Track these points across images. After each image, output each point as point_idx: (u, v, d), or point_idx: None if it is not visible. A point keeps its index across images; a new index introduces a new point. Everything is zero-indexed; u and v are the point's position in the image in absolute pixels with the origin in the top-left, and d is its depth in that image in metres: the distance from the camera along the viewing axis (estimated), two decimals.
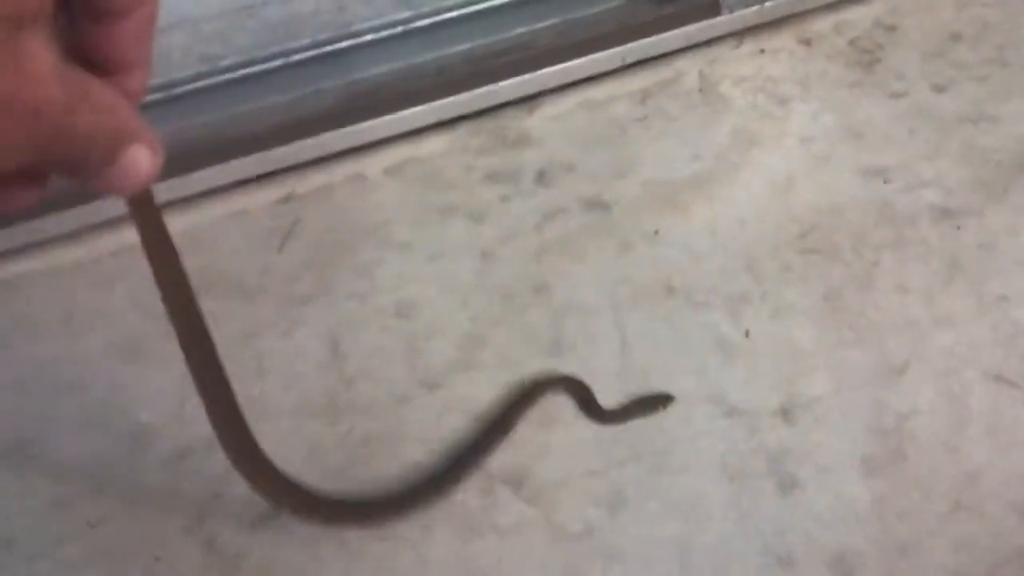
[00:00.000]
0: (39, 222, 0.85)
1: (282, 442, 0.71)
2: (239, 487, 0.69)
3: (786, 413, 0.72)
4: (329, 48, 0.84)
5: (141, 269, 0.86)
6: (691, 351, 0.76)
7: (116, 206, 0.87)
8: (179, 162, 0.87)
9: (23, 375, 0.78)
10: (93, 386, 0.77)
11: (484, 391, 0.75)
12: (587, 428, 0.72)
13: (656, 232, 0.84)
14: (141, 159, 0.34)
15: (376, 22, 0.85)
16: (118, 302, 0.83)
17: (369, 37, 0.86)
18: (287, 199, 0.90)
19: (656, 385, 0.74)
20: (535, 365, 0.76)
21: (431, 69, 0.92)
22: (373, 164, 0.92)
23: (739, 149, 0.91)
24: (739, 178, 0.88)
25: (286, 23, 0.85)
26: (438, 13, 0.87)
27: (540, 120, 0.95)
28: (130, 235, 0.88)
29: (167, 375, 0.77)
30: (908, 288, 0.79)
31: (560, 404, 0.73)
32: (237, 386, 0.76)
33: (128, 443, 0.73)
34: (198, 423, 0.73)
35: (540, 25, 0.97)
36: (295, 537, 0.68)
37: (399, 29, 0.86)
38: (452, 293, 0.81)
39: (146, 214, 0.52)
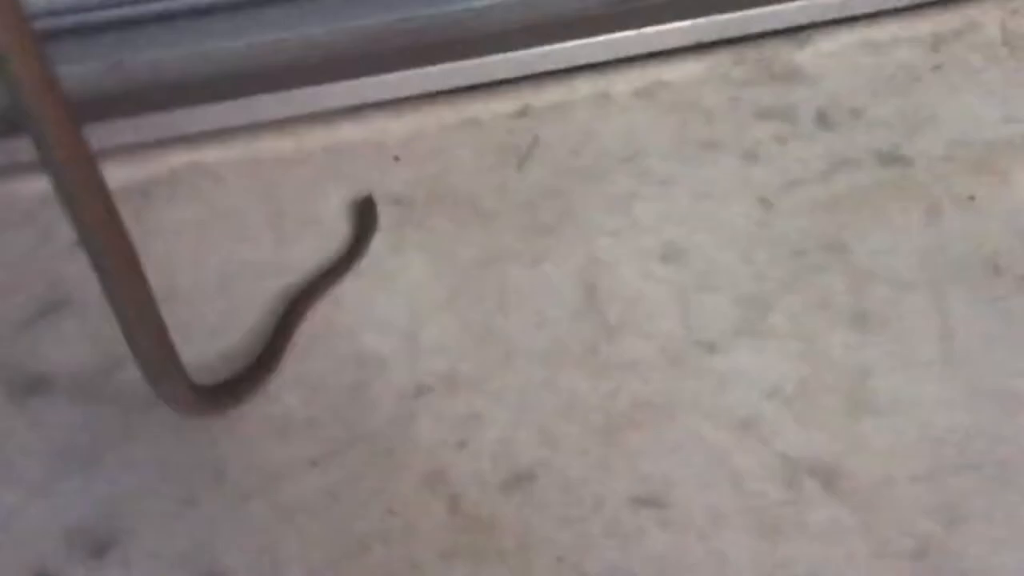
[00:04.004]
0: (234, 105, 0.74)
1: (530, 390, 0.60)
2: (488, 436, 0.58)
3: None
4: None
5: (360, 171, 0.75)
6: None
7: (330, 97, 0.77)
8: (406, 56, 0.75)
9: (228, 274, 0.67)
10: None
11: (775, 363, 0.62)
12: (909, 420, 0.59)
13: (972, 198, 0.70)
14: None
15: None
16: (334, 206, 0.71)
17: None
18: (523, 112, 0.78)
19: (987, 381, 0.61)
20: (836, 338, 0.63)
21: None
22: (619, 83, 0.80)
23: None
24: None
25: None
26: None
27: (813, 56, 0.82)
28: (347, 130, 0.78)
29: (396, 297, 0.66)
30: None
31: (873, 386, 0.61)
32: (476, 315, 0.65)
33: (352, 371, 0.62)
34: (436, 356, 0.63)
35: None
36: (551, 504, 0.56)
37: None
38: (728, 242, 0.69)
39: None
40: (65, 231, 0.69)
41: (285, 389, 0.61)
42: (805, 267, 0.67)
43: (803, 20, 0.83)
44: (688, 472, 0.57)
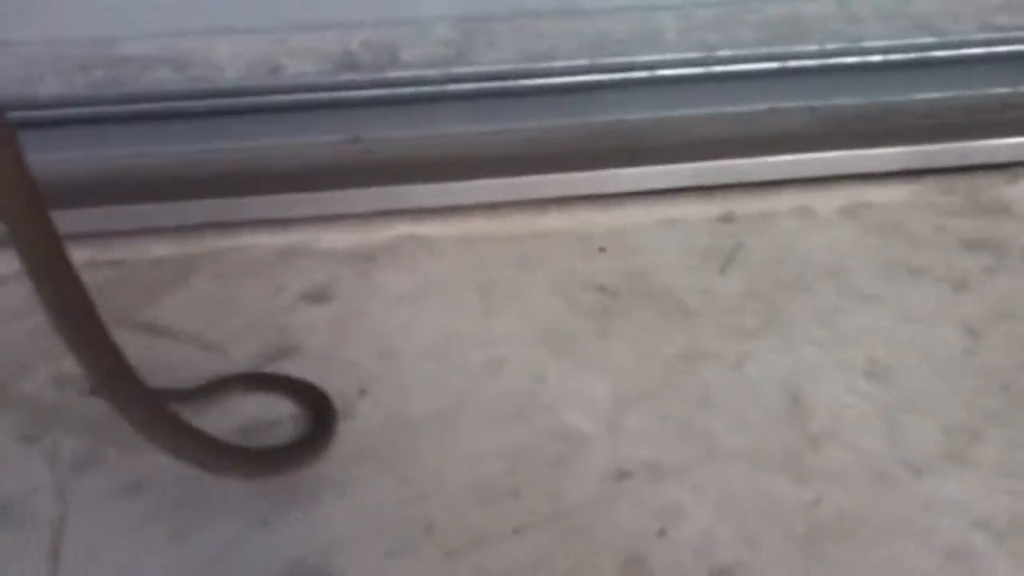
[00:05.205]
0: (454, 186, 0.79)
1: (732, 488, 0.60)
2: (688, 529, 0.59)
3: None
4: (834, 60, 0.74)
5: (566, 257, 0.79)
6: None
7: (542, 187, 0.81)
8: (617, 155, 0.79)
9: (436, 342, 0.70)
10: (511, 372, 0.69)
11: (984, 495, 0.61)
12: None
13: None
14: None
15: (891, 42, 0.74)
16: (541, 287, 0.74)
17: (877, 58, 0.74)
18: (727, 218, 0.80)
19: None
20: None
21: (919, 109, 0.81)
22: (823, 200, 0.81)
23: None
24: None
25: (789, 23, 0.75)
26: (959, 46, 0.75)
27: (1022, 192, 0.82)
28: (555, 218, 0.82)
29: (599, 379, 0.68)
30: None
31: None
32: (679, 408, 0.66)
33: (555, 446, 0.64)
34: (638, 443, 0.64)
35: None
36: None
37: (914, 55, 0.75)
38: (934, 367, 0.68)
39: None
40: (295, 284, 0.74)
41: (491, 455, 0.63)
42: (1015, 401, 0.66)
43: (1015, 157, 0.83)
44: None
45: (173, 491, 0.61)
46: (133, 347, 0.69)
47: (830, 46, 0.74)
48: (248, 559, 0.57)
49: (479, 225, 0.79)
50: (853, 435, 0.64)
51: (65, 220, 0.75)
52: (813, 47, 0.74)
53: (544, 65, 0.74)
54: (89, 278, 0.72)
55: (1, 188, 0.46)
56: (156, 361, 0.67)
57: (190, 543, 0.58)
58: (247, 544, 0.58)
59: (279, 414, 0.65)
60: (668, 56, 0.73)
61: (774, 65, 0.74)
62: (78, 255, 0.72)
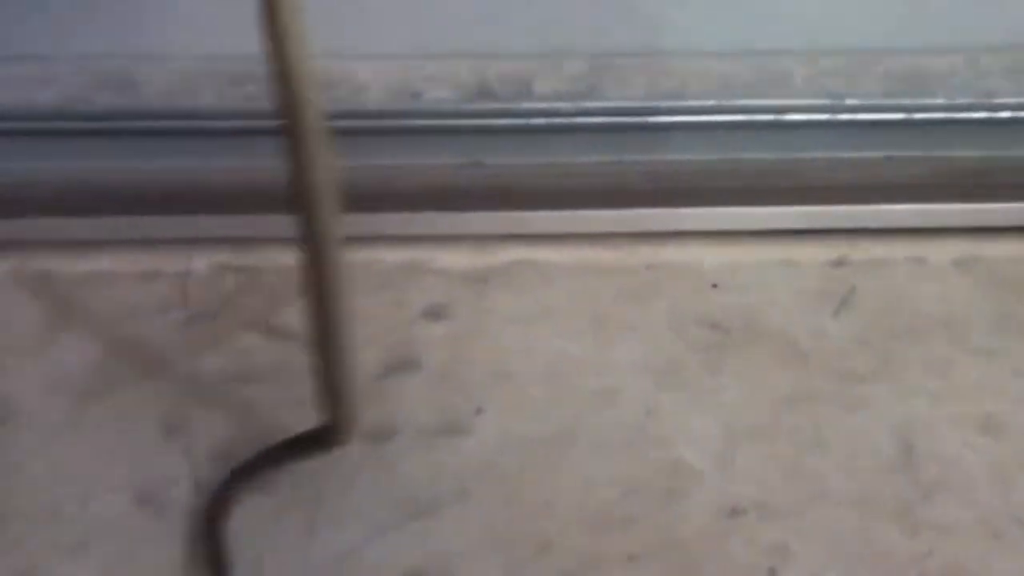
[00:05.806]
0: (570, 214, 0.81)
1: (841, 533, 0.61)
2: (798, 569, 0.59)
3: None
4: (960, 115, 0.74)
5: (679, 291, 0.80)
6: None
7: (657, 220, 0.82)
8: (733, 193, 0.80)
9: (549, 367, 0.72)
10: (623, 402, 0.70)
11: None
12: None
13: None
14: None
15: (1020, 99, 0.74)
16: (653, 319, 0.76)
17: (1006, 114, 0.75)
18: (840, 262, 0.81)
19: None
20: None
21: None
22: (937, 251, 0.81)
23: None
24: None
25: (917, 75, 0.76)
26: None
27: None
28: (669, 252, 0.83)
29: (711, 415, 0.69)
30: None
31: None
32: (790, 449, 0.67)
33: (666, 478, 0.65)
34: (749, 481, 0.65)
35: None
36: None
37: None
38: None
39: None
40: (417, 299, 0.77)
41: (603, 483, 0.64)
42: None
43: None
44: None
45: (300, 493, 0.63)
46: (261, 350, 0.73)
47: (958, 100, 0.74)
48: (372, 560, 0.60)
49: (593, 254, 0.81)
50: (966, 489, 0.64)
51: (204, 225, 0.80)
52: (940, 100, 0.74)
53: (671, 103, 0.76)
54: (222, 282, 0.76)
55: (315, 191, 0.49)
56: (283, 364, 0.71)
57: (318, 541, 0.60)
58: (370, 548, 0.60)
59: None
60: (795, 102, 0.74)
61: (899, 116, 0.75)
62: (215, 259, 0.77)
